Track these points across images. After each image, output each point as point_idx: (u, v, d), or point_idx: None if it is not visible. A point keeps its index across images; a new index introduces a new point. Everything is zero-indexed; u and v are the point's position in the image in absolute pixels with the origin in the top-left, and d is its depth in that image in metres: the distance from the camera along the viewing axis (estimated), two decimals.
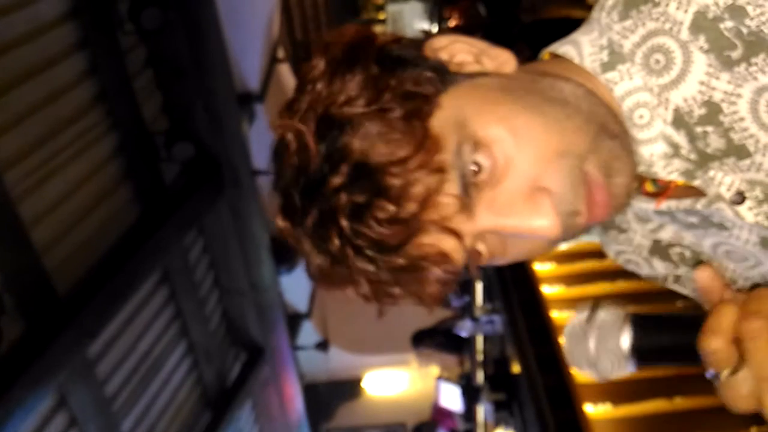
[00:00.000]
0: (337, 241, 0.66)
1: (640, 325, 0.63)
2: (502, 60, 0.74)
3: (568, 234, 0.71)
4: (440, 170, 0.65)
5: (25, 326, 3.72)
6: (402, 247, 0.66)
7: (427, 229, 0.66)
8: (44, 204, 3.97)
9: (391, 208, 0.64)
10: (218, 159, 5.48)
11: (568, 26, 0.80)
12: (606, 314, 0.65)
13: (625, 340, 0.63)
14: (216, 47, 5.38)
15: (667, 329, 0.63)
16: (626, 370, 0.65)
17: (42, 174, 3.95)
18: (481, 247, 0.70)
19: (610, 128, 0.71)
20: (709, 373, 0.60)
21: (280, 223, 0.71)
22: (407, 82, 0.68)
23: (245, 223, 6.10)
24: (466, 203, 0.67)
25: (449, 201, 0.66)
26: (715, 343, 0.57)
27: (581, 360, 0.66)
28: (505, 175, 0.68)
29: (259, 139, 6.40)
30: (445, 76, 0.71)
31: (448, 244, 0.68)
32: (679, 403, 3.96)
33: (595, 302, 0.72)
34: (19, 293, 3.69)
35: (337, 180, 0.65)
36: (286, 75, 7.96)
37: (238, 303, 6.36)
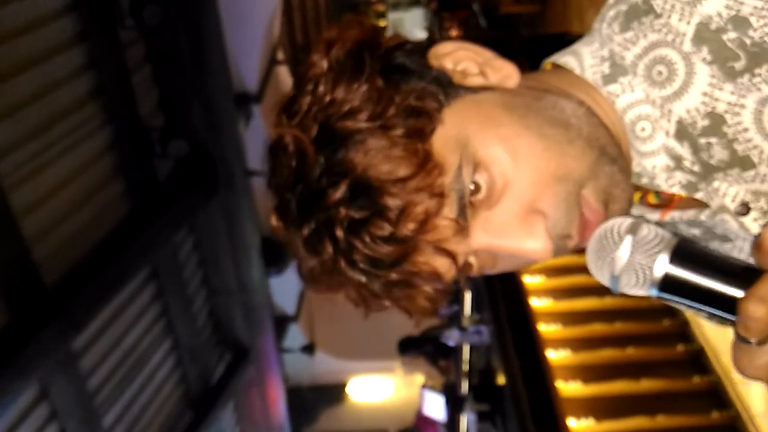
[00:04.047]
0: (331, 252, 0.67)
1: (681, 255, 0.59)
2: (506, 73, 0.73)
3: (559, 255, 0.71)
4: (441, 194, 0.65)
5: (10, 316, 3.69)
6: (396, 264, 0.66)
7: (423, 248, 0.66)
8: (36, 195, 3.95)
9: (389, 227, 0.65)
10: (213, 158, 5.47)
11: (568, 42, 0.80)
12: (650, 231, 0.61)
13: (660, 265, 0.59)
14: (216, 46, 5.38)
15: (709, 271, 0.58)
16: (647, 292, 0.61)
17: (35, 165, 3.94)
18: (473, 260, 0.70)
19: (609, 152, 0.71)
20: (735, 335, 0.58)
21: (275, 222, 0.71)
22: (411, 96, 0.67)
23: (237, 224, 6.08)
24: (462, 225, 0.67)
25: (447, 224, 0.66)
26: (760, 311, 0.55)
27: (603, 266, 0.62)
28: (503, 196, 0.68)
29: (255, 140, 6.39)
30: (448, 88, 0.70)
31: (441, 263, 0.68)
32: (662, 421, 3.97)
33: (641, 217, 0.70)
34: (6, 283, 3.67)
35: (336, 195, 0.65)
36: (285, 77, 7.96)
37: (225, 303, 6.33)
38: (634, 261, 0.60)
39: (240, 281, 6.36)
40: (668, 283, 0.59)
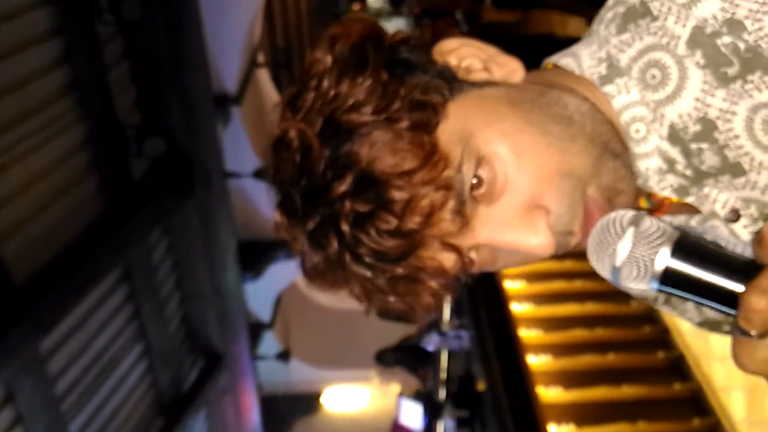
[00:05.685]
0: (336, 246, 0.67)
1: (683, 249, 0.59)
2: (510, 69, 0.73)
3: (560, 251, 0.71)
4: (446, 187, 0.65)
5: None
6: (402, 258, 0.67)
7: (428, 243, 0.67)
8: (5, 191, 3.84)
9: (394, 221, 0.65)
10: (190, 158, 5.38)
11: (552, 43, 0.78)
12: (652, 223, 0.60)
13: (662, 258, 0.59)
14: (195, 45, 5.31)
15: (710, 265, 0.59)
16: (647, 286, 0.60)
17: (5, 160, 3.83)
18: (474, 255, 0.70)
19: (612, 147, 0.71)
20: (736, 328, 0.58)
21: (278, 218, 0.71)
22: (416, 90, 0.68)
23: (213, 226, 5.99)
24: (465, 219, 0.68)
25: (452, 218, 0.67)
26: (762, 303, 0.55)
27: (604, 258, 0.62)
28: (504, 191, 0.68)
29: (233, 142, 6.33)
30: (452, 83, 0.71)
31: (447, 258, 0.68)
32: (643, 427, 3.97)
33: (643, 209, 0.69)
34: None
35: (341, 188, 0.65)
36: (265, 80, 7.90)
37: (199, 307, 6.22)
38: (635, 253, 0.60)
39: (215, 285, 6.26)
40: (669, 277, 0.59)
